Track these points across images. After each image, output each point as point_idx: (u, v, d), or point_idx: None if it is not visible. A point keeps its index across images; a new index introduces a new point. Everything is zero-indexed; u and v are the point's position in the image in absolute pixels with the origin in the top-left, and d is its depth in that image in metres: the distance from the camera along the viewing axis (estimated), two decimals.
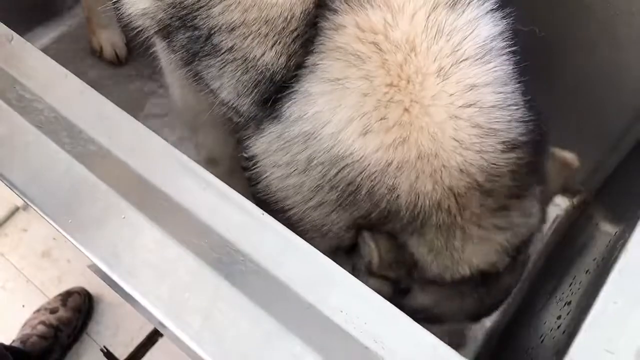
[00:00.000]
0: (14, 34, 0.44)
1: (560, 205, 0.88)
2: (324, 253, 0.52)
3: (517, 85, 0.49)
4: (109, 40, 1.12)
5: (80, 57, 1.21)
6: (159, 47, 0.61)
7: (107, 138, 0.38)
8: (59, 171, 0.36)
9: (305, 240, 0.51)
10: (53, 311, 1.30)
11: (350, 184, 0.49)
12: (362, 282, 0.52)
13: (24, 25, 1.16)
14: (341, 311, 0.32)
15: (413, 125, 0.47)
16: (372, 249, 0.51)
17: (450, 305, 0.58)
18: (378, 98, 0.47)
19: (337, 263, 0.53)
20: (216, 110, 0.58)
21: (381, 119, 0.47)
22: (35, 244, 1.55)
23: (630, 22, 0.67)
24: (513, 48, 0.49)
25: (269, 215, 0.35)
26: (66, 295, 1.33)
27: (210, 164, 0.82)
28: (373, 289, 0.52)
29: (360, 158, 0.48)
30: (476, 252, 0.52)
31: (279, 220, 0.36)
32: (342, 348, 0.30)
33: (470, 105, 0.47)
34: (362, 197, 0.49)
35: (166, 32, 0.53)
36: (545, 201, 0.56)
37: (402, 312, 0.32)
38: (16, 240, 1.60)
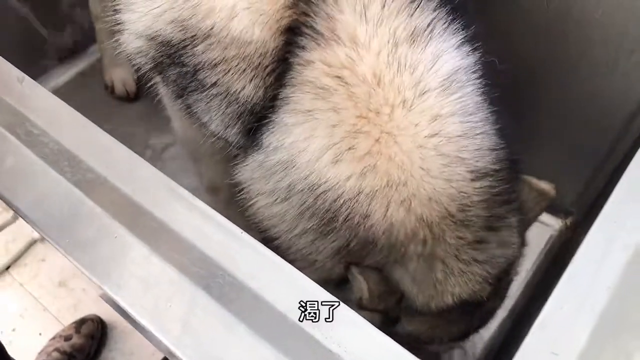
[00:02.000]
0: (25, 75, 0.50)
1: (553, 226, 0.90)
2: None
3: (487, 114, 0.52)
4: (120, 77, 1.19)
5: (95, 92, 1.28)
6: (158, 82, 0.66)
7: (104, 167, 0.43)
8: (60, 196, 0.40)
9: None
10: (67, 338, 1.34)
11: (328, 211, 0.52)
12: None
13: (47, 59, 1.25)
14: (311, 319, 0.35)
15: (382, 154, 0.50)
16: (361, 283, 0.53)
17: (438, 331, 0.60)
18: (346, 129, 0.50)
19: None
20: (214, 141, 0.63)
21: (350, 148, 0.50)
22: (52, 273, 1.60)
23: (607, 51, 0.70)
24: (482, 79, 0.52)
25: (246, 234, 0.39)
26: (80, 323, 1.36)
27: (212, 192, 0.86)
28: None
29: (334, 186, 0.51)
30: (458, 283, 0.54)
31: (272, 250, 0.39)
32: (308, 351, 0.34)
33: (434, 135, 0.50)
34: (340, 224, 0.52)
35: (160, 68, 0.57)
36: (523, 230, 0.58)
37: (364, 320, 0.35)
38: (35, 270, 1.65)
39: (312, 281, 0.37)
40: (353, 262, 0.53)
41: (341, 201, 0.51)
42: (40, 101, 0.48)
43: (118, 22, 0.58)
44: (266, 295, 0.37)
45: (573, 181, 0.56)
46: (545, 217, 0.90)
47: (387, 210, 0.51)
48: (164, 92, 0.67)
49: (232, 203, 0.82)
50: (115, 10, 0.58)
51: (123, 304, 0.35)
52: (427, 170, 0.50)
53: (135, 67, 0.60)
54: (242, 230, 0.39)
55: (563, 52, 0.72)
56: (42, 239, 1.58)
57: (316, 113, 0.50)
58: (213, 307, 0.36)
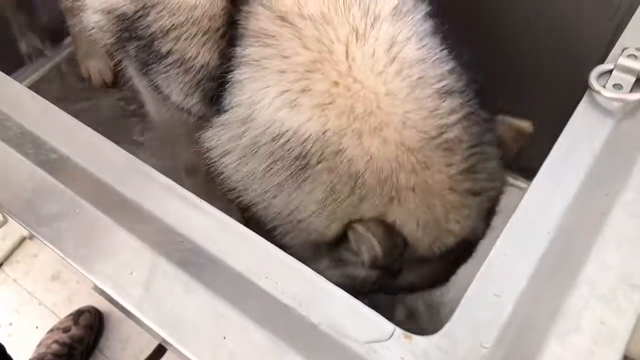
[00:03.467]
0: None
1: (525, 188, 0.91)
2: (307, 255, 0.53)
3: (438, 36, 0.52)
4: (96, 67, 1.20)
5: (71, 83, 1.30)
6: (127, 65, 0.67)
7: (67, 147, 0.44)
8: (24, 176, 0.42)
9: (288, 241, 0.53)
10: (66, 330, 1.37)
11: (297, 158, 0.51)
12: (349, 274, 0.53)
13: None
14: (266, 277, 0.37)
15: (340, 89, 0.50)
16: (371, 240, 0.50)
17: (434, 276, 0.59)
18: (297, 71, 0.50)
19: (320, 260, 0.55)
20: (187, 120, 0.63)
21: (303, 90, 0.50)
22: (45, 268, 1.62)
23: None
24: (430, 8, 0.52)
25: (205, 202, 0.41)
26: (77, 314, 1.40)
27: (190, 173, 0.87)
28: (362, 278, 0.53)
29: (297, 131, 0.51)
30: (458, 219, 0.53)
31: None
32: (264, 306, 0.36)
33: (393, 61, 0.50)
34: (314, 169, 0.51)
35: (121, 44, 0.58)
36: (503, 168, 0.57)
37: (317, 275, 0.37)
38: (27, 265, 1.66)
39: (268, 242, 0.39)
40: (355, 220, 0.52)
41: (309, 145, 0.50)
42: (3, 88, 0.49)
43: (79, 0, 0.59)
44: (225, 257, 0.38)
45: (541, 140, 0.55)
46: (520, 182, 0.92)
47: (361, 142, 0.50)
48: (132, 73, 0.68)
49: (211, 183, 0.84)
50: None
51: (87, 274, 0.37)
52: (393, 95, 0.50)
53: (101, 46, 0.61)
54: (200, 199, 0.41)
55: None
56: (31, 236, 1.59)
57: (264, 62, 0.51)
58: (173, 271, 0.37)
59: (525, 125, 0.56)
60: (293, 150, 0.51)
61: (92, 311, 1.43)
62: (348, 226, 0.52)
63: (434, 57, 0.52)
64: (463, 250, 0.57)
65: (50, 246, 0.38)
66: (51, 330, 1.38)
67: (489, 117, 0.55)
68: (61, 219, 0.40)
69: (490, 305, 0.35)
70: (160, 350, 1.39)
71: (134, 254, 0.38)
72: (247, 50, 0.51)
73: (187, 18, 0.53)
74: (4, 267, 1.66)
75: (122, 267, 0.37)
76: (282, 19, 0.50)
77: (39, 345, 1.36)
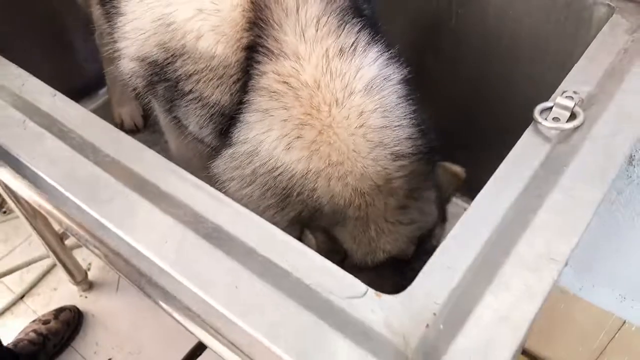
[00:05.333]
0: (57, 91, 0.64)
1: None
2: None
3: (404, 111, 0.66)
4: (128, 113, 1.35)
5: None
6: (152, 100, 0.80)
7: (117, 153, 0.56)
8: (85, 172, 0.54)
9: None
10: (45, 322, 1.52)
11: (284, 189, 0.65)
12: None
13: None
14: (270, 250, 0.48)
15: (324, 141, 0.64)
16: (311, 242, 0.65)
17: (375, 286, 0.71)
18: (295, 123, 0.64)
19: None
20: (201, 151, 0.76)
21: (298, 137, 0.64)
22: (63, 301, 1.73)
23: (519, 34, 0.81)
24: (400, 84, 0.66)
25: (219, 192, 0.52)
26: (59, 311, 1.56)
27: None
28: None
29: (288, 168, 0.64)
30: (388, 241, 0.68)
31: None
32: (268, 269, 0.46)
33: (362, 126, 0.64)
34: (293, 199, 0.65)
35: (151, 85, 0.72)
36: (443, 205, 0.71)
37: (310, 250, 0.48)
38: (47, 298, 1.78)
39: (268, 223, 0.50)
40: (305, 226, 0.66)
41: (294, 180, 0.64)
42: (69, 109, 0.62)
43: (116, 50, 0.73)
44: (239, 235, 0.49)
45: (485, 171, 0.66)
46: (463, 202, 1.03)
47: (329, 184, 0.64)
48: (158, 110, 0.81)
49: None
50: (114, 40, 0.73)
51: (131, 241, 0.48)
52: (358, 152, 0.64)
53: (132, 89, 0.74)
54: (219, 193, 0.53)
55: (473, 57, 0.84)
56: (53, 267, 1.71)
57: (271, 111, 0.64)
58: (198, 242, 0.48)
59: (459, 170, 0.71)
60: (282, 182, 0.65)
61: (72, 310, 1.59)
62: (302, 230, 0.66)
63: (395, 125, 0.66)
64: (398, 268, 0.68)
65: (103, 220, 0.49)
66: (33, 321, 1.53)
67: (432, 163, 0.69)
68: (112, 203, 0.52)
69: (444, 274, 0.46)
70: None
71: (168, 229, 0.49)
72: (257, 100, 0.65)
73: (206, 65, 0.66)
74: (25, 299, 1.77)
75: (159, 237, 0.49)
76: (285, 82, 0.63)
77: (20, 332, 1.49)
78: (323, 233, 0.65)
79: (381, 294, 0.45)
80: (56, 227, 1.61)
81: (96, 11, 1.02)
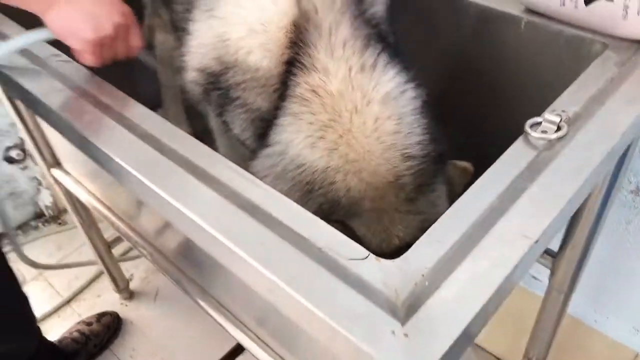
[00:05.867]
0: (126, 95, 0.78)
1: None
2: None
3: (416, 119, 0.76)
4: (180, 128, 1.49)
5: None
6: (208, 110, 0.93)
7: (178, 146, 0.69)
8: (152, 160, 0.67)
9: None
10: (88, 324, 1.70)
11: (307, 184, 0.75)
12: None
13: None
14: (292, 221, 0.59)
15: (343, 142, 0.75)
16: None
17: None
18: (319, 125, 0.75)
19: None
20: (243, 153, 0.87)
21: (321, 137, 0.75)
22: (105, 307, 1.88)
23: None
24: (414, 98, 0.77)
25: (256, 179, 0.64)
26: (101, 315, 1.74)
27: None
28: None
29: (311, 164, 0.75)
30: (401, 229, 0.76)
31: None
32: (289, 235, 0.57)
33: (376, 130, 0.75)
34: (315, 192, 0.75)
35: (206, 93, 0.85)
36: (452, 198, 0.79)
37: (323, 222, 0.58)
38: (92, 304, 1.92)
39: (298, 205, 0.61)
40: (324, 218, 0.75)
41: (316, 175, 0.75)
42: (135, 109, 0.76)
43: (183, 62, 0.87)
44: (268, 209, 0.60)
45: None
46: None
47: (346, 178, 0.75)
48: (210, 115, 0.94)
49: None
50: (183, 55, 0.87)
51: (182, 208, 0.60)
52: (372, 152, 0.74)
53: (191, 96, 0.88)
54: (260, 180, 0.64)
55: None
56: (100, 276, 1.85)
57: (300, 115, 0.76)
58: (236, 211, 0.60)
59: (467, 165, 0.80)
60: (306, 177, 0.76)
61: (113, 315, 1.75)
62: None
63: (407, 132, 0.77)
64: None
65: (165, 196, 0.62)
66: (77, 322, 1.68)
67: (442, 163, 0.79)
68: (169, 179, 0.64)
69: (434, 246, 0.55)
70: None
71: (212, 201, 0.61)
72: (291, 106, 0.77)
73: (252, 76, 0.79)
74: (72, 303, 1.92)
75: (205, 207, 0.60)
76: (314, 91, 0.76)
77: (65, 331, 1.65)
78: (341, 224, 0.74)
79: (380, 258, 0.55)
80: (107, 235, 1.76)
81: (160, 37, 1.18)
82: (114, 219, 1.30)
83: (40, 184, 2.08)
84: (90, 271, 1.93)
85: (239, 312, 0.98)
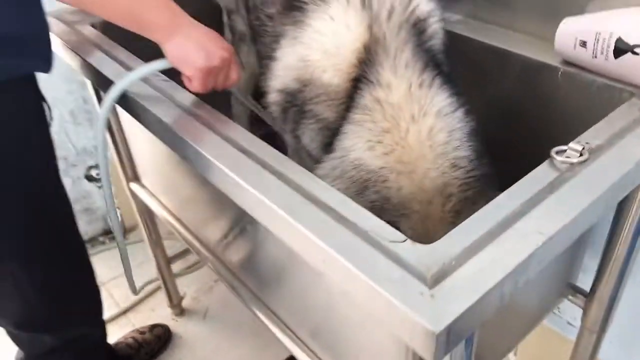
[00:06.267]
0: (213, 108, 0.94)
1: None
2: None
3: (465, 135, 0.87)
4: None
5: None
6: (284, 128, 1.07)
7: (261, 152, 0.83)
8: (244, 163, 0.81)
9: None
10: (142, 332, 1.89)
11: (364, 181, 0.86)
12: None
13: None
14: (341, 206, 0.71)
15: (398, 146, 0.86)
16: None
17: None
18: (379, 131, 0.87)
19: None
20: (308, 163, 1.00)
21: (379, 142, 0.87)
22: (158, 320, 2.02)
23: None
24: (463, 115, 0.88)
25: (317, 177, 0.77)
26: (154, 326, 1.91)
27: None
28: None
29: (368, 163, 0.87)
30: (444, 229, 0.79)
31: None
32: (337, 218, 0.69)
33: (429, 139, 0.86)
34: (370, 190, 0.86)
35: (284, 111, 1.00)
36: None
37: (368, 211, 0.70)
38: (146, 317, 2.07)
39: (345, 195, 0.73)
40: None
41: (371, 174, 0.87)
42: (220, 120, 0.91)
43: (268, 87, 1.03)
44: (325, 199, 0.73)
45: None
46: None
47: (398, 178, 0.85)
48: (286, 133, 1.08)
49: None
50: (267, 79, 1.03)
51: (260, 195, 0.73)
52: (424, 157, 0.86)
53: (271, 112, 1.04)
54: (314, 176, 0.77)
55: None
56: (156, 290, 1.99)
57: (363, 123, 0.89)
58: (302, 200, 0.72)
59: None
60: (363, 175, 0.88)
61: (165, 327, 1.93)
62: None
63: (456, 145, 0.88)
64: None
65: (241, 182, 0.75)
66: (132, 330, 1.86)
67: (485, 182, 0.89)
68: (249, 177, 0.78)
69: (463, 237, 0.66)
70: None
71: (282, 191, 0.74)
72: (355, 115, 0.90)
73: (324, 91, 0.93)
74: (128, 313, 2.07)
75: (277, 195, 0.73)
76: (378, 101, 0.89)
77: (120, 337, 1.83)
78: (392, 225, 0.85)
79: (416, 243, 0.66)
80: (169, 251, 1.92)
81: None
82: (182, 230, 1.46)
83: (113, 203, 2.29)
84: (147, 286, 2.09)
85: (294, 325, 1.10)
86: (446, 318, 0.56)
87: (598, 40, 0.93)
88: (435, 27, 0.95)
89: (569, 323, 1.44)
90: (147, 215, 1.72)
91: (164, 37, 0.90)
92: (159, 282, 2.00)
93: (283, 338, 1.12)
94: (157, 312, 2.04)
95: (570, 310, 1.42)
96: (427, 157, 0.86)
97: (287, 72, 0.99)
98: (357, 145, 0.89)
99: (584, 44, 0.95)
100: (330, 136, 0.94)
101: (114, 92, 0.96)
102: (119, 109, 1.23)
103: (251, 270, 1.20)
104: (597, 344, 1.19)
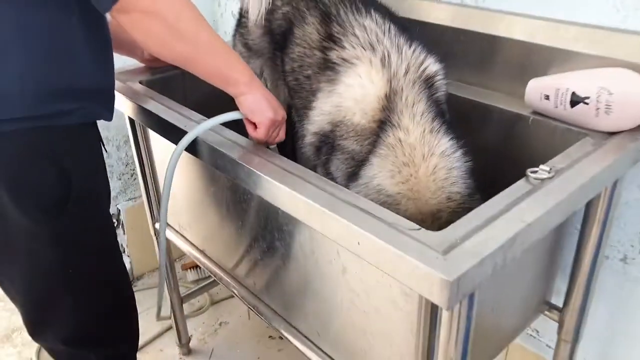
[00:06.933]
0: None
1: None
2: None
3: (461, 172, 1.11)
4: None
5: None
6: (317, 164, 1.30)
7: (302, 173, 1.06)
8: (292, 180, 1.04)
9: None
10: None
11: (382, 203, 1.06)
12: None
13: None
14: (367, 205, 0.92)
15: (412, 177, 1.09)
16: None
17: None
18: (398, 165, 1.09)
19: None
20: None
21: (399, 172, 1.09)
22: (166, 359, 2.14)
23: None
24: (461, 156, 1.12)
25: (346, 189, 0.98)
26: None
27: None
28: None
29: (388, 189, 1.09)
30: None
31: None
32: (365, 211, 0.90)
33: (433, 174, 1.09)
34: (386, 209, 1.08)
35: (317, 151, 1.23)
36: None
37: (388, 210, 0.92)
38: (153, 356, 2.20)
39: (373, 202, 0.95)
40: None
41: (389, 198, 1.09)
42: (263, 152, 1.14)
43: (305, 130, 1.27)
44: (360, 204, 0.94)
45: None
46: None
47: (407, 203, 1.08)
48: (319, 166, 1.28)
49: None
50: (305, 125, 1.27)
51: (309, 200, 0.95)
52: (428, 189, 1.08)
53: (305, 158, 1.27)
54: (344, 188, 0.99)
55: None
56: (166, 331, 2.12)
57: (387, 156, 1.10)
58: (342, 203, 0.94)
59: None
60: (382, 199, 1.10)
61: None
62: None
63: (452, 182, 1.11)
64: None
65: (281, 185, 0.97)
66: None
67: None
68: (301, 188, 1.00)
69: (463, 226, 0.87)
70: None
71: (321, 195, 0.96)
72: (381, 150, 1.12)
73: (352, 129, 1.16)
74: (138, 354, 2.19)
75: (317, 197, 0.95)
76: (399, 141, 1.12)
77: None
78: None
79: (428, 231, 0.87)
80: (182, 290, 2.07)
81: None
82: (204, 260, 1.64)
83: (123, 251, 2.45)
84: (156, 328, 2.22)
85: (314, 336, 1.28)
86: (456, 271, 0.76)
87: (558, 94, 1.20)
88: (440, 82, 1.17)
89: (547, 346, 1.62)
90: (168, 256, 1.89)
91: (243, 92, 1.12)
92: (169, 323, 2.13)
93: (304, 349, 1.29)
94: (165, 352, 2.17)
95: (549, 334, 1.61)
96: (430, 189, 1.09)
97: (322, 117, 1.16)
98: (381, 173, 1.08)
99: (547, 97, 1.22)
100: (354, 166, 1.16)
101: (190, 137, 1.16)
102: (155, 150, 1.46)
103: (273, 291, 1.38)
104: (572, 352, 1.39)
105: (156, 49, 1.07)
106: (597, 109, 1.14)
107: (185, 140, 1.16)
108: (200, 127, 1.15)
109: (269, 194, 1.05)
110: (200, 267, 2.45)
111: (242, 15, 1.50)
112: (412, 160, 1.10)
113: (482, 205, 0.93)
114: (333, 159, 1.21)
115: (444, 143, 1.12)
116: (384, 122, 1.13)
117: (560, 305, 1.39)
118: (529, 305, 1.37)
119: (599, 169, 1.02)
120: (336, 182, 1.20)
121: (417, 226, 0.89)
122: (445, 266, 0.78)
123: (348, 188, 1.15)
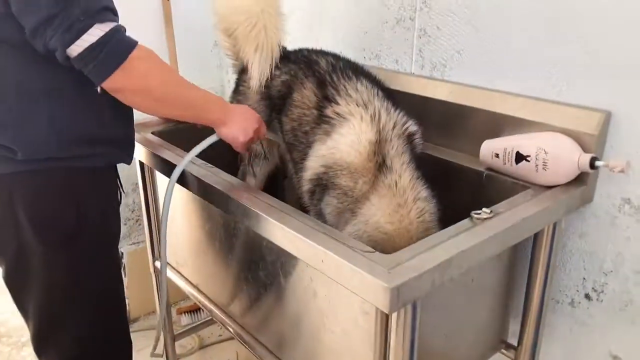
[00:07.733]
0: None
1: None
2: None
3: (434, 213, 1.31)
4: None
5: None
6: (310, 205, 1.48)
7: (291, 211, 1.26)
8: (279, 213, 1.23)
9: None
10: None
11: (376, 242, 1.24)
12: None
13: None
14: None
15: (405, 219, 1.27)
16: None
17: None
18: (394, 206, 1.28)
19: None
20: None
21: (395, 212, 1.27)
22: None
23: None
24: (433, 199, 1.33)
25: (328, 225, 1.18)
26: None
27: None
28: None
29: (384, 228, 1.26)
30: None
31: None
32: (336, 236, 1.09)
33: (420, 216, 1.29)
34: (379, 246, 1.22)
35: (312, 194, 1.41)
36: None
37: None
38: None
39: (347, 235, 1.13)
40: None
41: (386, 235, 1.26)
42: (265, 196, 1.34)
43: (302, 180, 1.45)
44: (332, 235, 1.14)
45: None
46: None
47: (401, 241, 1.25)
48: (311, 207, 1.46)
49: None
50: (302, 174, 1.46)
51: (294, 233, 1.14)
52: (417, 228, 1.28)
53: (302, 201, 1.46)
54: (326, 225, 1.18)
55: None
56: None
57: (384, 198, 1.28)
58: (318, 234, 1.13)
59: None
60: (377, 237, 1.27)
61: None
62: None
63: (434, 223, 1.31)
64: None
65: (272, 219, 1.16)
66: None
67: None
68: (286, 221, 1.19)
69: (412, 250, 1.06)
70: None
71: (302, 227, 1.15)
72: (381, 190, 1.29)
73: (346, 167, 1.32)
74: None
75: (300, 229, 1.14)
76: (395, 183, 1.30)
77: None
78: None
79: (381, 253, 1.06)
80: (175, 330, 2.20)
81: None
82: (201, 299, 1.80)
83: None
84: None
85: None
86: (396, 280, 0.95)
87: (505, 153, 1.41)
88: (418, 141, 1.38)
89: None
90: (164, 299, 2.04)
91: (218, 125, 1.37)
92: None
93: None
94: None
95: None
96: (419, 229, 1.28)
97: (317, 160, 1.32)
98: (379, 213, 1.24)
99: (497, 155, 1.43)
100: (347, 201, 1.28)
101: (183, 162, 1.41)
102: (160, 196, 1.66)
103: (266, 328, 1.53)
104: None
105: (146, 113, 1.30)
106: (537, 165, 1.34)
107: (180, 167, 1.40)
108: (189, 154, 1.42)
109: (255, 224, 1.25)
110: (193, 312, 2.59)
111: (239, 84, 1.72)
112: (405, 201, 1.29)
113: (428, 237, 1.12)
114: (325, 197, 1.37)
115: (425, 190, 1.33)
116: (380, 164, 1.31)
117: (516, 344, 1.53)
118: (485, 339, 1.51)
119: (531, 212, 1.22)
120: (324, 217, 1.39)
121: (372, 249, 1.07)
122: (389, 277, 0.96)
123: (339, 222, 1.34)
